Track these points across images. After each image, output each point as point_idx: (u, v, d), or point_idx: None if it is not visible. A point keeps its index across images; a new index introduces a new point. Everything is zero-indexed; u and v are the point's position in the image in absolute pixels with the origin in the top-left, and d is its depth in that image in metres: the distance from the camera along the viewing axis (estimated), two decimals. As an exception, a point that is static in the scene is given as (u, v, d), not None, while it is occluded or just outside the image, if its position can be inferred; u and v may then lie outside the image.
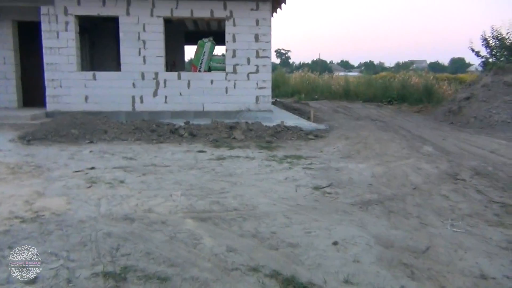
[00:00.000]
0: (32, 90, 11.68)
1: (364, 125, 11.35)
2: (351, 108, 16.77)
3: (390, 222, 4.05)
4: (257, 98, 11.19)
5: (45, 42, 10.61)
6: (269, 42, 11.12)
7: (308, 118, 12.22)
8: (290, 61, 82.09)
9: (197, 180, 5.29)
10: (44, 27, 10.57)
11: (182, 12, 10.84)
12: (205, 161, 6.46)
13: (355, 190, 5.06)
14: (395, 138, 9.09)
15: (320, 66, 61.20)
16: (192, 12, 10.84)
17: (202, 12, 10.89)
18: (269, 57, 11.23)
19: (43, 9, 10.50)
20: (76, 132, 8.21)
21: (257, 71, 11.14)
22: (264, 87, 11.22)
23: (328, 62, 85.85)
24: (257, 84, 11.17)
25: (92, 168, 5.79)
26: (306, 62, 75.90)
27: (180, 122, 9.45)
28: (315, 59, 79.33)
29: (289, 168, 6.05)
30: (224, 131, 8.74)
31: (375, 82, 21.61)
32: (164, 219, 3.87)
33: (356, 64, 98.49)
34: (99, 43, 14.71)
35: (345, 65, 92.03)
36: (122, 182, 5.10)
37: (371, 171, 6.02)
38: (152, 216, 3.95)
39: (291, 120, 11.12)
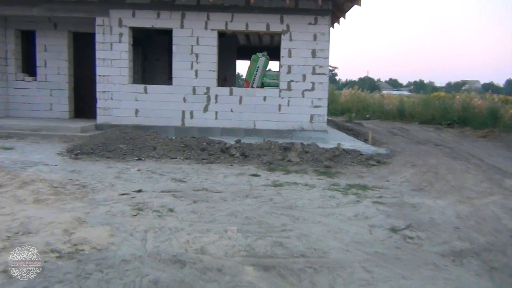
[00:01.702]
0: (84, 101, 11.58)
1: (428, 150, 10.38)
2: (409, 130, 15.71)
3: (495, 284, 3.26)
4: (311, 117, 10.52)
5: (99, 54, 10.46)
6: (327, 58, 10.46)
7: (365, 140, 11.39)
8: (337, 78, 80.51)
9: (254, 212, 4.66)
10: (98, 38, 10.43)
11: (237, 25, 10.39)
12: (261, 187, 5.83)
13: (441, 235, 4.25)
14: (468, 168, 8.12)
15: (368, 84, 59.65)
16: (247, 26, 10.38)
17: (257, 26, 10.40)
18: (326, 74, 10.55)
19: (98, 20, 10.37)
20: (125, 148, 7.85)
21: (312, 89, 10.49)
22: (320, 106, 10.54)
23: (376, 80, 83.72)
24: (312, 102, 10.51)
25: (139, 191, 5.30)
26: (353, 80, 74.43)
27: (230, 140, 8.92)
28: (362, 76, 77.71)
29: (357, 201, 5.30)
30: (278, 153, 8.10)
31: (433, 103, 20.34)
32: (220, 265, 3.25)
33: (405, 82, 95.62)
34: (152, 56, 14.61)
35: (394, 84, 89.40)
36: (171, 210, 4.55)
37: (454, 210, 5.17)
38: (206, 259, 3.34)
39: (348, 142, 10.34)
